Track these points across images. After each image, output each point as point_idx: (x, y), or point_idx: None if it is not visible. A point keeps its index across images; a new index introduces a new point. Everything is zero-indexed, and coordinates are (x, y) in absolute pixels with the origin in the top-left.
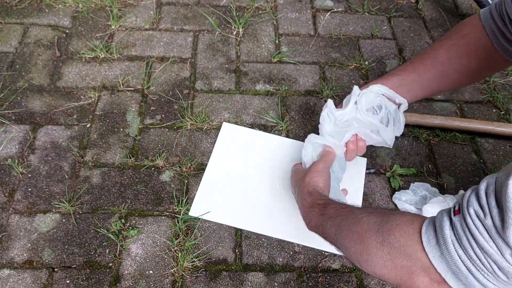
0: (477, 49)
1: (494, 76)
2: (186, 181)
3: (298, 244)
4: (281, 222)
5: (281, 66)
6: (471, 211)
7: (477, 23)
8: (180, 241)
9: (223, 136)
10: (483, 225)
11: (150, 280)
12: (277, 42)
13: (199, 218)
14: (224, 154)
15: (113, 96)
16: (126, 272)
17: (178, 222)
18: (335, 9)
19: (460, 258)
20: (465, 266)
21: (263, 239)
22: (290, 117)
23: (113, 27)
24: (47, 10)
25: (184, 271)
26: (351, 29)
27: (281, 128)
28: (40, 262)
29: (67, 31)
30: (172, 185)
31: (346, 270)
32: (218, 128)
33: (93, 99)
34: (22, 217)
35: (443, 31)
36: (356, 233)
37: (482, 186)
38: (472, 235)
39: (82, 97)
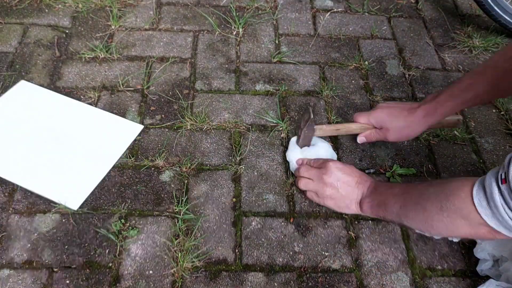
0: None
1: None
2: (186, 181)
3: (298, 244)
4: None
5: (281, 66)
6: None
7: None
8: (180, 241)
9: (15, 93)
10: None
11: (150, 280)
12: (277, 42)
13: (199, 218)
14: (13, 109)
15: (113, 96)
16: (126, 272)
17: (178, 222)
18: (335, 9)
19: (510, 218)
20: None
21: (263, 239)
22: (290, 117)
23: (113, 27)
24: (47, 10)
25: (184, 271)
26: (351, 29)
27: (281, 128)
28: (40, 262)
29: (67, 31)
30: (172, 185)
31: (346, 270)
32: (218, 128)
33: (93, 99)
34: (22, 217)
35: (443, 31)
36: (419, 204)
37: None
38: None
39: (82, 97)
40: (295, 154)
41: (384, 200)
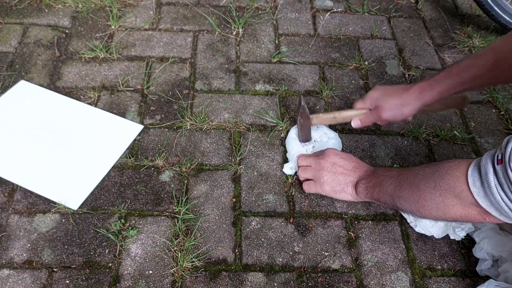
0: None
1: None
2: (185, 181)
3: (298, 244)
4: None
5: (280, 66)
6: None
7: None
8: (179, 241)
9: (15, 93)
10: None
11: (150, 280)
12: (277, 42)
13: (199, 218)
14: (12, 109)
15: (112, 96)
16: (126, 272)
17: (177, 222)
18: (335, 9)
19: (502, 199)
20: (506, 205)
21: (262, 239)
22: (290, 117)
23: (112, 27)
24: (46, 10)
25: (183, 271)
26: (350, 29)
27: (281, 128)
28: (40, 262)
29: (66, 31)
30: (172, 185)
31: (346, 270)
32: (218, 128)
33: (92, 99)
34: (22, 217)
35: (442, 31)
36: (413, 184)
37: None
38: (511, 182)
39: (82, 97)
40: (295, 150)
41: (381, 181)
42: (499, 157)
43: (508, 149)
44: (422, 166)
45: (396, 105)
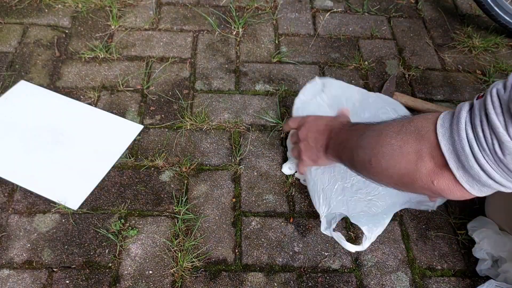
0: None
1: (493, 76)
2: (185, 181)
3: (297, 244)
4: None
5: (280, 66)
6: (494, 91)
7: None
8: (179, 241)
9: (15, 93)
10: (499, 101)
11: (150, 280)
12: (276, 42)
13: (199, 218)
14: (12, 109)
15: (112, 96)
16: (126, 272)
17: (177, 222)
18: (335, 9)
19: (467, 137)
20: (469, 145)
21: (262, 239)
22: (290, 117)
23: (112, 27)
24: (46, 10)
25: (183, 271)
26: (350, 29)
27: (281, 128)
28: (40, 262)
29: (66, 31)
30: (172, 185)
31: (346, 270)
32: (218, 128)
33: (92, 99)
34: (22, 217)
35: (442, 31)
36: (377, 129)
37: None
38: (486, 112)
39: (81, 97)
40: None
41: (348, 136)
42: (481, 94)
43: (495, 82)
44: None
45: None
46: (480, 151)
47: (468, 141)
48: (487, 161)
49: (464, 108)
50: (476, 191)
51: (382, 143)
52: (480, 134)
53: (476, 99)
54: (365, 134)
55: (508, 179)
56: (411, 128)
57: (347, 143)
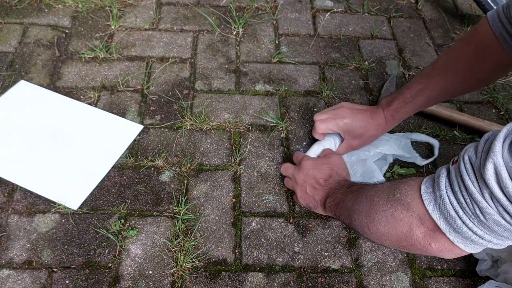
0: (488, 53)
1: None
2: (185, 181)
3: (297, 244)
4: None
5: (281, 66)
6: (466, 157)
7: (486, 28)
8: (179, 242)
9: (15, 93)
10: (472, 168)
11: (150, 281)
12: (277, 42)
13: (199, 218)
14: (12, 109)
15: (112, 96)
16: (126, 272)
17: (177, 223)
18: (335, 9)
19: (450, 202)
20: (454, 210)
21: (262, 239)
22: (290, 117)
23: (113, 27)
24: (46, 10)
25: (183, 272)
26: (351, 29)
27: (281, 129)
28: (40, 263)
29: (66, 31)
30: (172, 186)
31: (346, 270)
32: (218, 129)
33: (92, 99)
34: (22, 217)
35: (443, 31)
36: (368, 196)
37: (485, 136)
38: (462, 178)
39: (81, 97)
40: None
41: (343, 197)
42: (455, 159)
43: (466, 147)
44: (384, 181)
45: (372, 136)
46: (466, 215)
47: (452, 206)
48: (474, 224)
49: (442, 174)
50: (471, 249)
51: (375, 210)
52: (462, 200)
53: (452, 165)
54: (359, 200)
55: (498, 238)
56: (397, 195)
57: (343, 204)
